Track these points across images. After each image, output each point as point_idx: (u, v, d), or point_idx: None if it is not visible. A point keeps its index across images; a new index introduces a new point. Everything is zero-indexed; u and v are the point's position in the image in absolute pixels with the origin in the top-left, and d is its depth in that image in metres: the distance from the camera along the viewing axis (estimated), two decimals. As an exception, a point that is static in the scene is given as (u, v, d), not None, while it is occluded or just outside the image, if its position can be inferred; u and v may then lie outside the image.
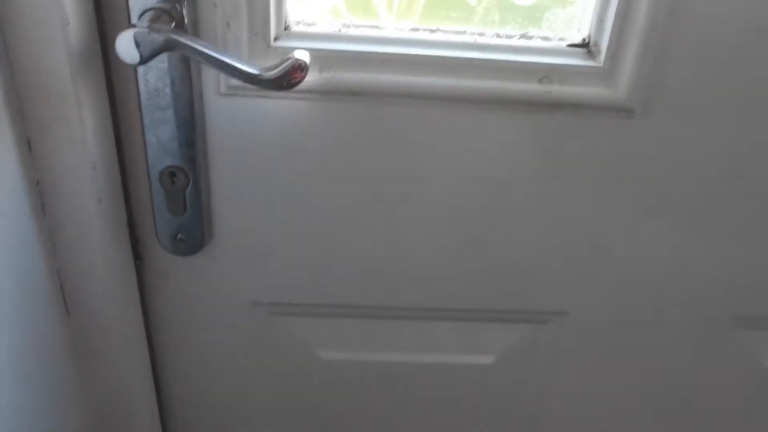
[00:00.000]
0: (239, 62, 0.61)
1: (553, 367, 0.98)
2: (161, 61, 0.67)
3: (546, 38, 0.74)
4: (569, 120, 0.75)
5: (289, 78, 0.60)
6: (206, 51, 0.60)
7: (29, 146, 0.64)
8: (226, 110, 0.72)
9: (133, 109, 0.71)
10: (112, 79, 0.69)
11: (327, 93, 0.71)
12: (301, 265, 0.84)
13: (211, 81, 0.70)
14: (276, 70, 0.60)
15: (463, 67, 0.72)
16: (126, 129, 0.73)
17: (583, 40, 0.74)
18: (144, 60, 0.60)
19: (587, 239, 0.85)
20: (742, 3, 0.68)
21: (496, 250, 0.85)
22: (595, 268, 0.88)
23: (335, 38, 0.71)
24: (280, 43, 0.70)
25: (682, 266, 0.88)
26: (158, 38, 0.59)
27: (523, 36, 0.73)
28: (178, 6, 0.66)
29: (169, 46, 0.60)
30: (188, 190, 0.75)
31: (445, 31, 0.72)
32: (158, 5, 0.65)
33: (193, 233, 0.79)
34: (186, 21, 0.66)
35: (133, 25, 0.59)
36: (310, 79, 0.69)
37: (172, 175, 0.74)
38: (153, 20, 0.62)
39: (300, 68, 0.60)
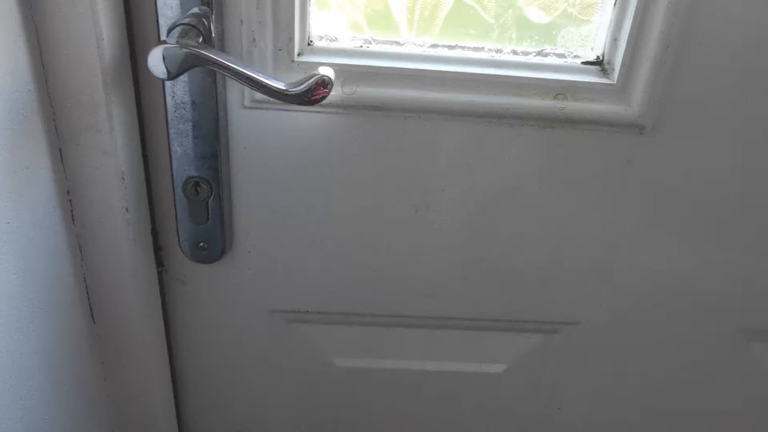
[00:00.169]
0: (266, 78, 0.63)
1: (562, 376, 1.00)
2: (188, 75, 0.70)
3: (561, 55, 0.76)
4: (582, 135, 0.77)
5: (314, 94, 0.62)
6: (235, 67, 0.62)
7: (61, 156, 0.66)
8: (249, 122, 0.74)
9: (159, 120, 0.73)
10: (140, 92, 0.71)
11: (348, 107, 0.73)
12: (318, 273, 0.86)
13: (235, 94, 0.73)
14: (302, 86, 0.62)
15: (480, 83, 0.73)
16: (152, 140, 0.75)
17: (597, 58, 0.76)
18: (174, 75, 0.62)
19: (597, 251, 0.86)
20: (754, 22, 0.70)
21: (508, 261, 0.87)
22: (605, 279, 0.89)
23: (357, 54, 0.73)
24: (304, 58, 0.72)
25: (691, 278, 0.89)
26: (188, 54, 0.61)
27: (539, 53, 0.75)
28: (205, 21, 0.68)
29: (198, 62, 0.62)
30: (211, 199, 0.77)
31: (463, 48, 0.74)
32: (186, 21, 0.67)
33: (214, 242, 0.81)
34: (213, 35, 0.68)
35: (164, 42, 0.62)
36: (332, 93, 0.70)
37: (196, 185, 0.76)
38: (182, 36, 0.64)
39: (325, 84, 0.62)
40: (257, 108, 0.73)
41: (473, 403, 1.02)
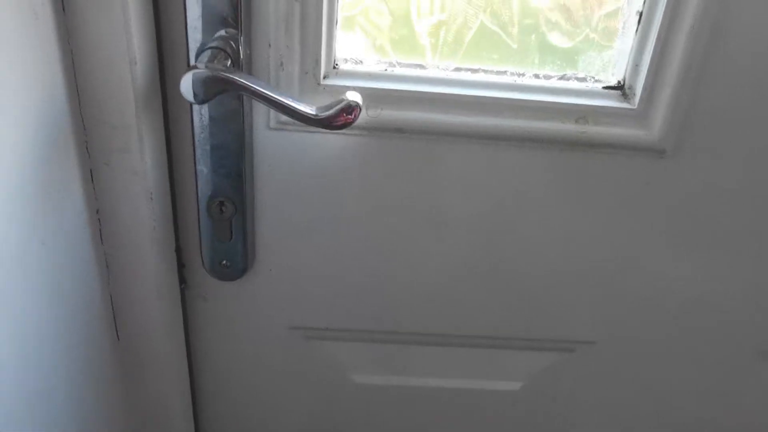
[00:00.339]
0: (295, 102, 0.64)
1: (578, 394, 1.00)
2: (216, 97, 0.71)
3: (582, 80, 0.77)
4: (602, 158, 0.78)
5: (342, 119, 0.63)
6: (265, 92, 0.63)
7: (92, 177, 0.67)
8: (274, 143, 0.75)
9: (186, 140, 0.74)
10: (168, 113, 0.73)
11: (372, 129, 0.74)
12: (337, 291, 0.87)
13: (261, 116, 0.74)
14: (330, 111, 0.63)
15: (503, 107, 0.74)
16: (178, 159, 0.76)
17: (618, 82, 0.76)
18: (205, 100, 0.63)
19: (616, 271, 0.87)
20: (774, 49, 0.71)
21: (526, 280, 0.87)
22: (622, 299, 0.90)
23: (381, 77, 0.74)
24: (329, 81, 0.73)
25: (709, 298, 0.90)
26: (219, 80, 0.62)
27: (560, 77, 0.76)
28: (233, 44, 0.69)
29: (229, 87, 0.63)
30: (234, 218, 0.78)
31: (486, 71, 0.75)
32: (215, 44, 0.68)
33: (236, 259, 0.81)
34: (241, 57, 0.69)
35: (195, 67, 0.63)
36: (357, 116, 0.72)
37: (221, 204, 0.77)
38: (211, 59, 0.65)
39: (353, 110, 0.63)
40: (282, 129, 0.74)
41: (489, 420, 1.02)
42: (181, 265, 0.82)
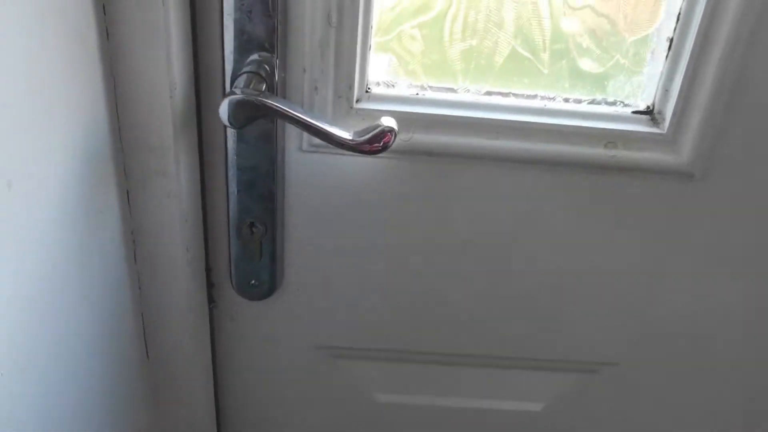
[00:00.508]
0: (331, 127, 0.65)
1: (600, 416, 1.00)
2: (250, 120, 0.71)
3: (612, 104, 0.77)
4: (630, 182, 0.78)
5: (378, 144, 0.64)
6: (301, 117, 0.64)
7: (128, 199, 0.68)
8: (306, 165, 0.76)
9: (219, 162, 0.75)
10: (202, 135, 0.73)
11: (402, 152, 0.75)
12: (364, 311, 0.87)
13: (294, 138, 0.74)
14: (366, 136, 0.64)
15: (533, 131, 0.75)
16: (211, 181, 0.77)
17: (648, 107, 0.77)
18: (242, 125, 0.64)
19: (641, 293, 0.87)
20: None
21: (551, 301, 0.88)
22: (646, 321, 0.90)
23: (413, 101, 0.75)
24: (362, 105, 0.74)
25: (736, 321, 0.90)
26: (256, 105, 0.63)
27: (590, 102, 0.77)
28: (267, 67, 0.70)
29: (265, 113, 0.64)
30: (264, 239, 0.79)
31: (516, 95, 0.76)
32: (250, 68, 0.69)
33: (265, 279, 0.82)
34: (276, 79, 0.70)
35: (233, 93, 0.63)
36: (389, 139, 0.72)
37: (252, 225, 0.77)
38: (247, 84, 0.66)
39: (389, 135, 0.64)
40: (314, 152, 0.75)
41: (511, 440, 1.02)
42: (210, 285, 0.83)
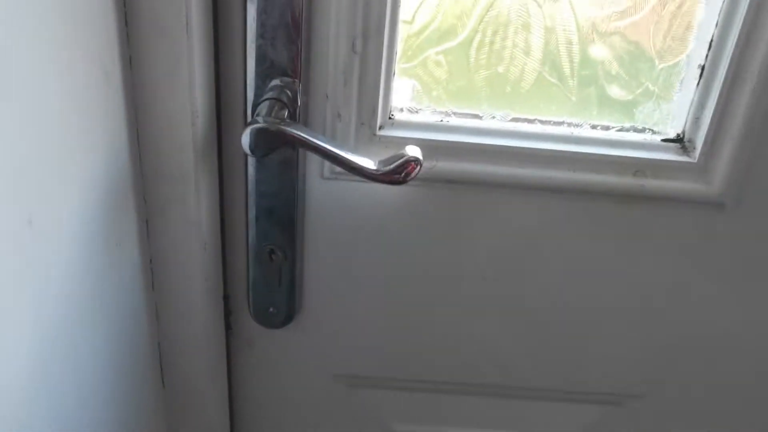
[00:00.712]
0: (355, 157, 0.63)
1: (625, 448, 0.97)
2: (270, 147, 0.70)
3: (640, 131, 0.75)
4: (660, 211, 0.76)
5: (403, 175, 0.62)
6: (325, 146, 0.63)
7: (147, 226, 0.67)
8: (327, 193, 0.75)
9: (239, 189, 0.74)
10: (222, 162, 0.72)
11: (425, 180, 0.73)
12: (382, 340, 0.85)
13: (315, 165, 0.73)
14: (391, 166, 0.63)
15: (559, 160, 0.73)
16: (231, 208, 0.75)
17: (678, 135, 0.75)
18: (265, 154, 0.63)
19: (669, 324, 0.85)
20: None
21: (575, 332, 0.85)
22: (673, 352, 0.87)
23: (437, 128, 0.73)
24: (385, 132, 0.72)
25: (766, 354, 0.87)
26: (279, 135, 0.62)
27: (618, 129, 0.75)
28: (289, 92, 0.69)
29: (288, 141, 0.63)
30: (284, 266, 0.77)
31: (543, 122, 0.74)
32: (271, 94, 0.68)
33: (283, 307, 0.80)
34: (299, 104, 0.69)
35: (255, 121, 0.62)
36: (412, 167, 0.71)
37: (271, 252, 0.76)
38: (269, 112, 0.65)
39: (414, 166, 0.62)
40: (335, 179, 0.74)
41: (532, 472, 0.99)
42: (227, 312, 0.82)
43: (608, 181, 0.74)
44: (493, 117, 0.74)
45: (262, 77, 0.68)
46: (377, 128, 0.72)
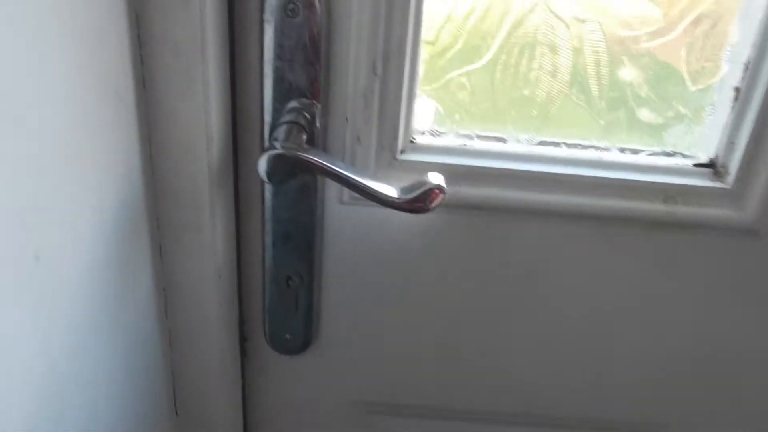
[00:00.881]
0: (376, 184, 0.61)
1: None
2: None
3: (671, 155, 0.72)
4: (692, 239, 0.73)
5: (425, 204, 0.60)
6: (344, 173, 0.60)
7: (161, 253, 0.65)
8: (345, 218, 0.73)
9: (255, 214, 0.72)
10: (239, 187, 0.70)
11: (448, 206, 0.71)
12: (401, 366, 0.83)
13: (334, 190, 0.71)
14: (413, 195, 0.60)
15: (586, 185, 0.71)
16: (247, 234, 0.73)
17: (710, 160, 0.72)
18: (282, 182, 0.61)
19: (698, 354, 0.82)
20: None
21: (601, 360, 0.82)
22: (702, 382, 0.84)
23: (460, 152, 0.71)
24: (406, 156, 0.70)
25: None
26: (297, 161, 0.60)
27: (648, 154, 0.72)
28: (308, 115, 0.66)
29: (306, 168, 0.61)
30: (301, 292, 0.75)
31: (569, 146, 0.72)
32: (289, 118, 0.66)
33: (300, 334, 0.78)
34: (317, 126, 0.66)
35: (273, 147, 0.60)
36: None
37: (288, 278, 0.74)
38: (287, 137, 0.62)
39: (437, 195, 0.60)
40: (354, 204, 0.72)
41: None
42: (242, 339, 0.79)
43: (637, 207, 0.71)
44: (518, 141, 0.72)
45: (280, 100, 0.66)
46: (398, 152, 0.69)
